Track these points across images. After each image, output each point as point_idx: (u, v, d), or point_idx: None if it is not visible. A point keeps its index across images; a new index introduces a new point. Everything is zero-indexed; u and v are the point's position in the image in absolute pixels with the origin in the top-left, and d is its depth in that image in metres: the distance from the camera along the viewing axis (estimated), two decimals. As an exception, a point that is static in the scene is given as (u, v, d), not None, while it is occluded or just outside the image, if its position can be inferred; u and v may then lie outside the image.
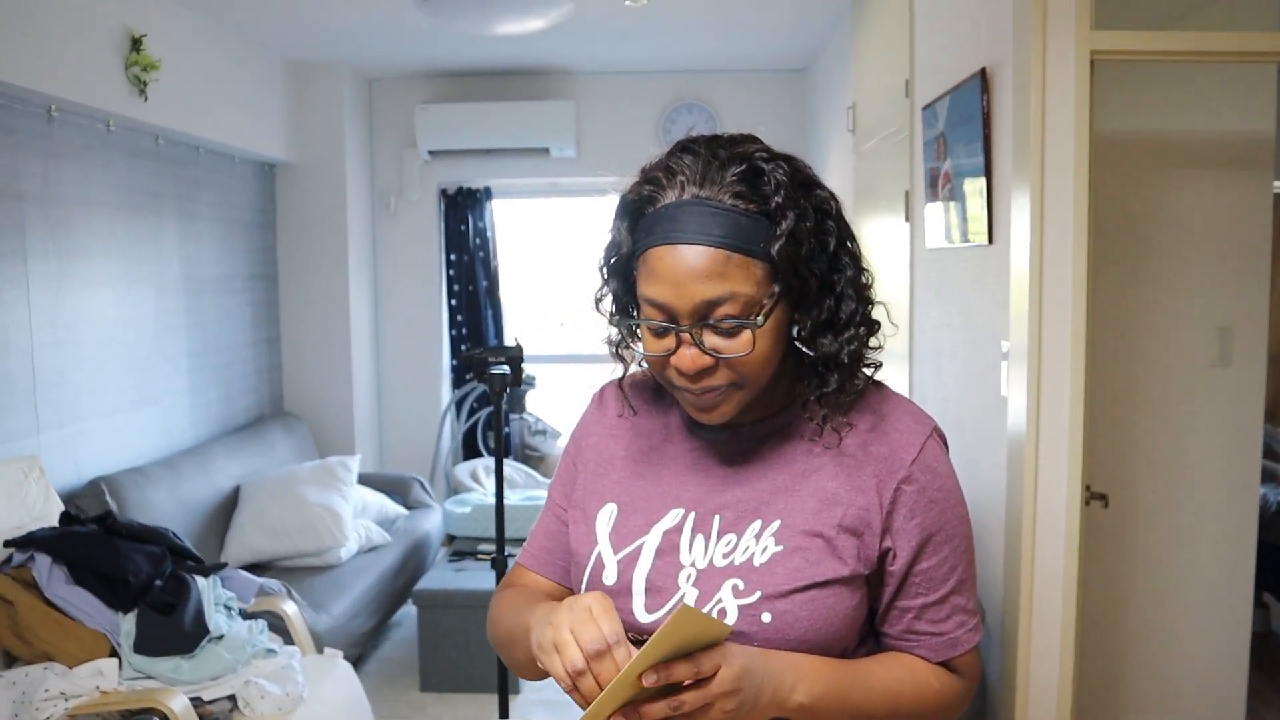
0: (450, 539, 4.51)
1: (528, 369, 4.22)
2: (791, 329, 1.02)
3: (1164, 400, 2.51)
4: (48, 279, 3.12)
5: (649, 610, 1.02)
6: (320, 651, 2.91)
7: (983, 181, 2.25)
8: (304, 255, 4.92)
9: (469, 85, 5.13)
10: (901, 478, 1.02)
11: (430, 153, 5.08)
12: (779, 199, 0.95)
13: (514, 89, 5.11)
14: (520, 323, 5.56)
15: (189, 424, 4.02)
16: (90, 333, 3.34)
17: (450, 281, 5.39)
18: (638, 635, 1.02)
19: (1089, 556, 2.23)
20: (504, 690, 2.81)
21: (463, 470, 5.06)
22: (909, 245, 2.96)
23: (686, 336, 0.96)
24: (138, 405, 3.64)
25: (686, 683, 0.86)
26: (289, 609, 2.88)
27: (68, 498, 3.03)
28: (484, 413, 5.32)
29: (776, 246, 0.94)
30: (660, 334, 0.98)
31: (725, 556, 1.01)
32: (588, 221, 5.50)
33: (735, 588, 0.99)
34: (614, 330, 1.09)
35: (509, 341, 5.07)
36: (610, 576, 1.05)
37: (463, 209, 5.32)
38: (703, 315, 0.95)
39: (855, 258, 1.03)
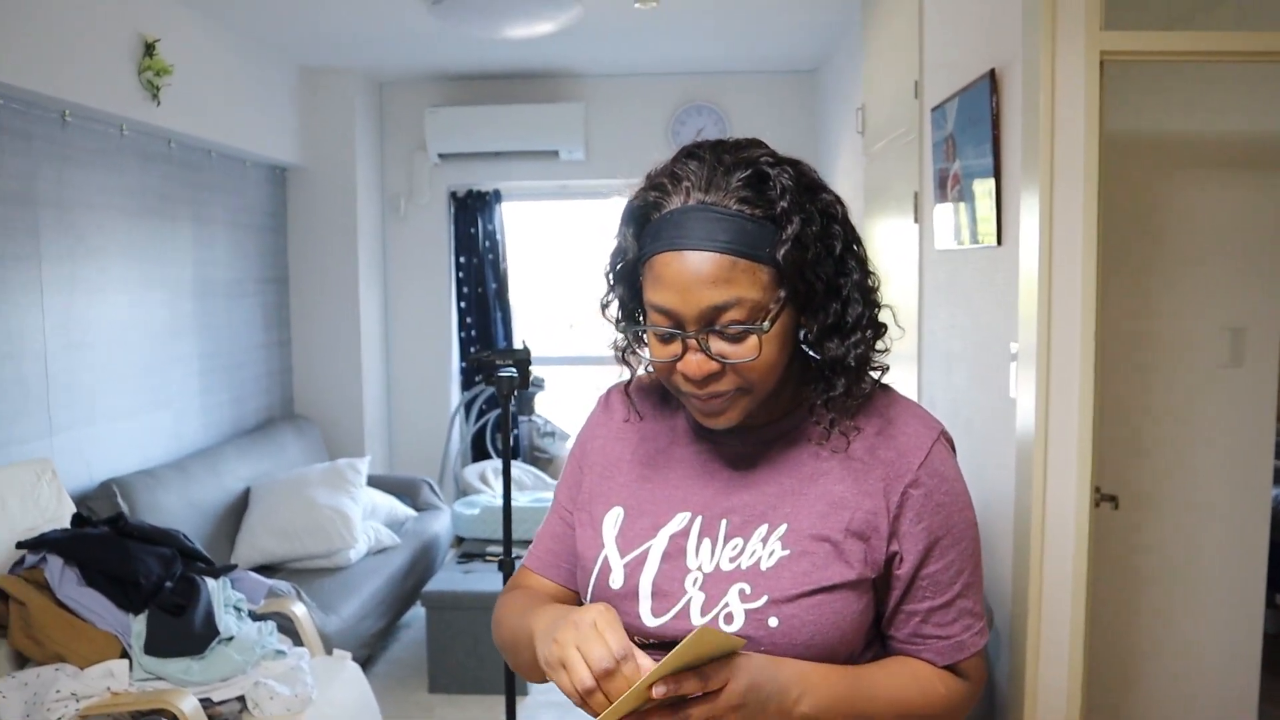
0: (459, 541, 4.52)
1: (536, 371, 4.22)
2: (798, 333, 1.01)
3: (1175, 401, 2.50)
4: (61, 282, 3.14)
5: (655, 614, 1.02)
6: (329, 653, 2.92)
7: (992, 183, 2.24)
8: (315, 258, 4.94)
9: (479, 88, 5.14)
10: (909, 481, 1.01)
11: (440, 156, 5.09)
12: (784, 204, 0.95)
13: (523, 92, 5.12)
14: (529, 325, 5.56)
15: (200, 426, 4.04)
16: (103, 336, 3.37)
17: (460, 284, 5.40)
18: (644, 639, 1.02)
19: (1099, 558, 2.22)
20: (511, 692, 2.82)
21: (472, 472, 5.07)
22: (918, 246, 2.96)
23: (693, 342, 0.96)
24: (149, 408, 3.66)
25: (693, 694, 0.86)
26: (298, 610, 2.89)
27: (80, 500, 3.05)
28: (493, 415, 5.33)
29: (782, 251, 0.94)
30: (666, 340, 0.98)
31: (732, 560, 1.01)
32: (597, 223, 5.51)
33: (742, 592, 0.99)
34: (620, 336, 1.09)
35: (517, 344, 5.08)
36: (617, 580, 1.05)
37: (472, 211, 5.33)
38: (709, 321, 0.95)
39: (861, 261, 1.03)
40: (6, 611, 2.37)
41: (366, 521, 4.05)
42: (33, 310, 3.01)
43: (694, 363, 0.96)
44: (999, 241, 2.25)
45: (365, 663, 3.56)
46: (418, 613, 4.15)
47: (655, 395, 1.17)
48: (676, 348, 0.97)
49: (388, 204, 5.30)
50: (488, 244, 5.35)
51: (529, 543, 4.06)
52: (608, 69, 5.02)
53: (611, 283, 1.06)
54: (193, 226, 3.99)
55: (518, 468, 5.02)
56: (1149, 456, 2.50)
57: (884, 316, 1.05)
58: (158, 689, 2.34)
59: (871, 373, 1.05)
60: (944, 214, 2.64)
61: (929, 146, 2.76)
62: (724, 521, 1.04)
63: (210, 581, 2.62)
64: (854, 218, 1.05)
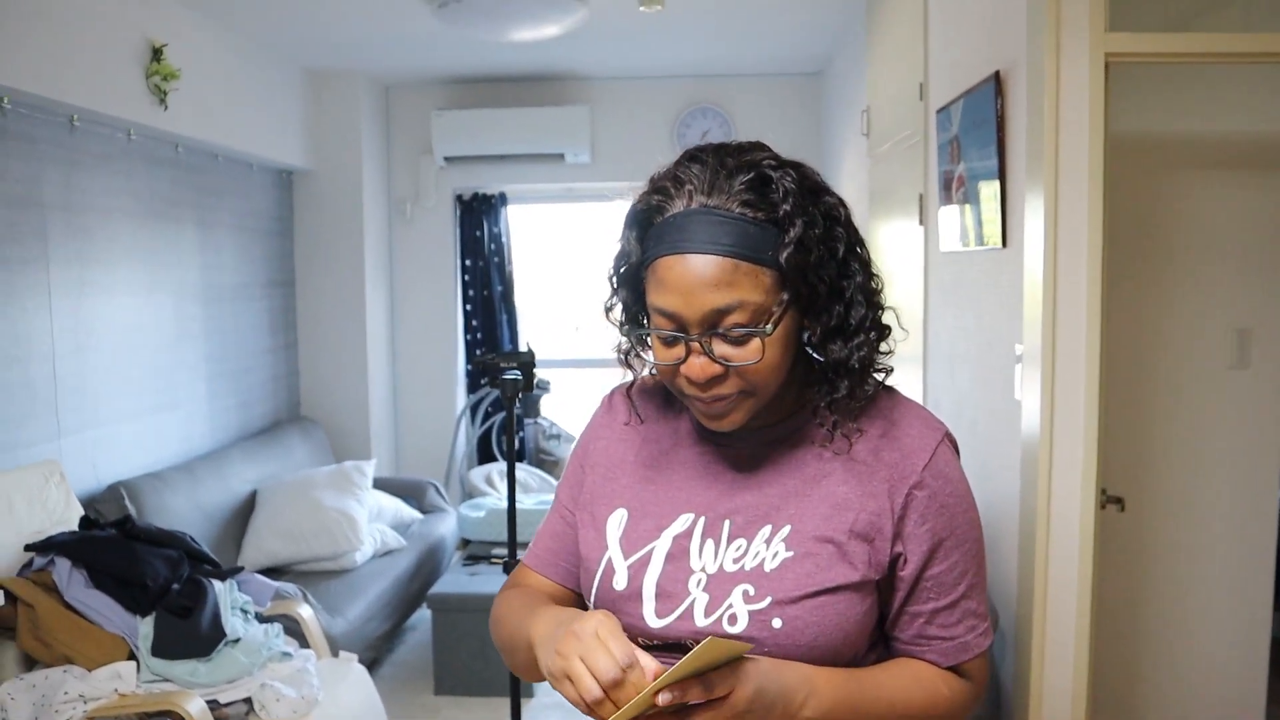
0: (465, 543, 4.53)
1: (541, 374, 4.23)
2: (801, 336, 1.02)
3: (1182, 403, 2.49)
4: (69, 286, 3.16)
5: (659, 615, 1.03)
6: (335, 655, 2.93)
7: (996, 184, 2.24)
8: (321, 261, 4.96)
9: (484, 91, 5.16)
10: (913, 483, 1.02)
11: (446, 159, 5.10)
12: (787, 207, 0.95)
13: (529, 95, 5.13)
14: (535, 327, 5.57)
15: (207, 429, 4.06)
16: (110, 339, 3.38)
17: (465, 287, 5.41)
18: (647, 640, 1.02)
19: (1106, 560, 2.22)
20: (516, 694, 2.82)
21: (477, 475, 5.08)
22: (923, 248, 2.96)
23: (696, 345, 0.96)
24: (157, 411, 3.67)
25: (698, 701, 0.86)
26: (304, 613, 2.89)
27: (87, 502, 3.06)
28: (499, 417, 5.34)
29: (785, 254, 0.95)
30: (670, 343, 0.99)
31: (735, 561, 1.02)
32: (602, 226, 5.52)
33: (746, 593, 0.99)
34: (624, 339, 1.09)
35: (522, 347, 5.08)
36: (620, 582, 1.05)
37: (478, 214, 5.34)
38: (712, 324, 0.95)
39: (864, 263, 1.04)
40: (15, 614, 2.38)
41: (372, 524, 4.06)
42: (41, 313, 3.03)
43: (697, 365, 0.97)
44: (1004, 243, 2.25)
45: (371, 665, 3.56)
46: (423, 615, 4.16)
47: (658, 398, 1.17)
48: (680, 350, 0.98)
49: (394, 207, 5.31)
50: (493, 247, 5.36)
51: (534, 545, 4.00)
52: (613, 72, 5.03)
53: (615, 286, 1.07)
54: (199, 230, 4.00)
55: (524, 470, 5.03)
56: (1156, 458, 2.50)
57: (887, 318, 1.06)
58: (165, 691, 2.35)
59: (875, 374, 1.05)
60: (949, 216, 2.64)
61: (934, 148, 2.76)
62: (727, 522, 1.04)
63: (217, 584, 2.63)
64: (859, 220, 1.06)
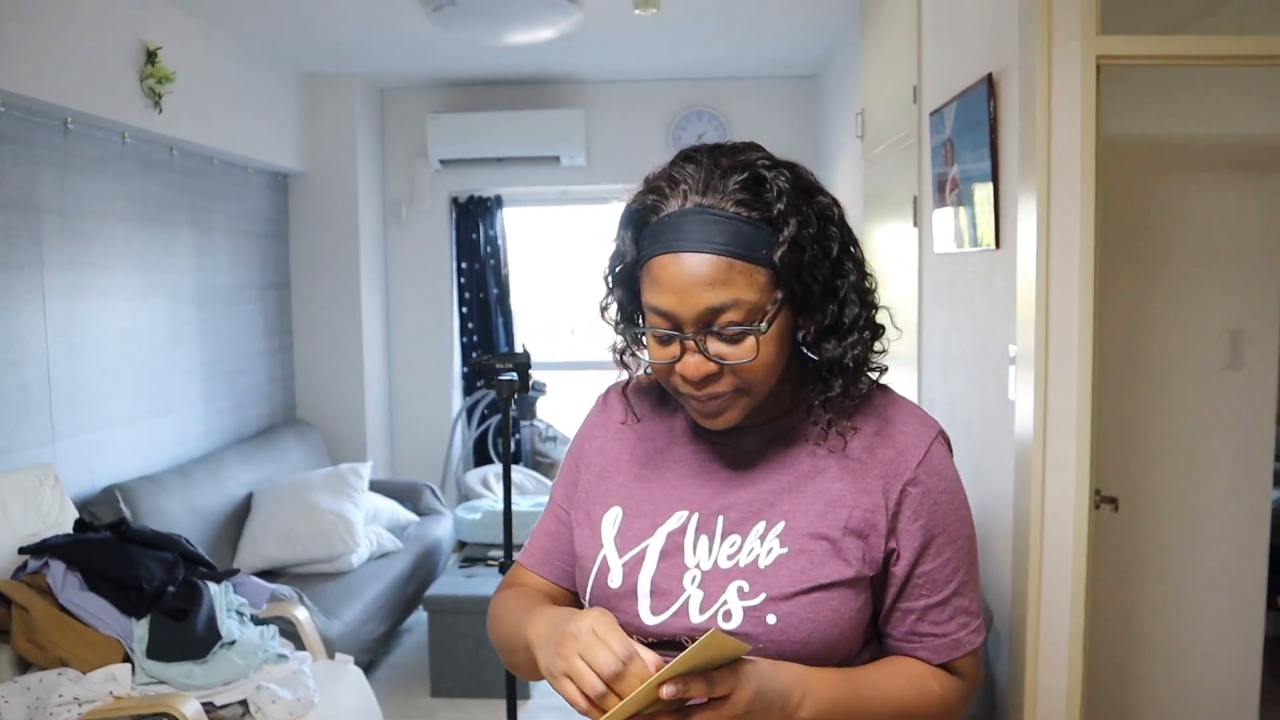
0: (461, 545, 4.52)
1: (538, 376, 4.23)
2: (795, 334, 1.02)
3: (1176, 403, 2.50)
4: (63, 289, 3.15)
5: (654, 613, 1.03)
6: (331, 657, 2.92)
7: (990, 186, 2.25)
8: (316, 264, 4.95)
9: (480, 94, 5.16)
10: (907, 480, 1.02)
11: (441, 162, 5.11)
12: (781, 206, 0.96)
13: (524, 98, 5.14)
14: (531, 330, 5.57)
15: (202, 432, 4.05)
16: (105, 343, 3.38)
17: (461, 289, 5.41)
18: (643, 638, 1.03)
19: (1100, 560, 2.23)
20: (513, 696, 2.82)
21: (474, 477, 5.08)
22: (917, 250, 2.96)
23: (691, 344, 0.97)
24: (152, 414, 3.67)
25: (698, 700, 0.86)
26: (300, 615, 2.89)
27: (82, 506, 3.06)
28: (495, 419, 5.33)
29: (779, 253, 0.95)
30: (665, 341, 0.99)
31: (730, 558, 1.02)
32: (598, 229, 5.52)
33: (740, 589, 1.00)
34: (619, 338, 1.10)
35: (517, 349, 5.09)
36: (615, 580, 1.06)
37: (474, 217, 5.34)
38: (707, 322, 0.96)
39: (858, 263, 1.04)
40: (9, 616, 2.37)
41: (368, 526, 4.06)
42: (35, 317, 3.03)
43: (692, 364, 0.97)
44: (997, 245, 2.26)
45: (367, 667, 3.56)
46: (420, 617, 4.16)
47: (653, 396, 1.18)
48: (675, 349, 0.98)
49: (389, 210, 5.31)
50: (489, 249, 5.37)
51: (530, 546, 4.00)
52: (608, 75, 5.03)
53: (610, 285, 1.07)
54: (194, 233, 4.00)
55: (519, 472, 5.03)
56: (1149, 459, 2.51)
57: (881, 317, 1.06)
58: (160, 693, 2.35)
59: (869, 373, 1.06)
60: (943, 218, 2.64)
61: (928, 151, 2.77)
62: (721, 518, 1.05)
63: (212, 586, 2.62)
64: (854, 222, 1.06)
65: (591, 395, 1.25)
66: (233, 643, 2.53)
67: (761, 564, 1.01)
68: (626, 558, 1.06)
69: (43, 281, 3.06)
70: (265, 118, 4.41)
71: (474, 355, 5.39)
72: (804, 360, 1.06)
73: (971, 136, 2.34)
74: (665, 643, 1.01)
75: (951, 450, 1.09)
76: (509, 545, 2.80)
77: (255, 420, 4.55)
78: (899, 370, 3.11)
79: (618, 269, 1.05)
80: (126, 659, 2.39)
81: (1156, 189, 2.48)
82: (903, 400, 1.10)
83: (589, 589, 1.09)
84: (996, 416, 2.30)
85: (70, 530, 2.68)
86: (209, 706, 2.36)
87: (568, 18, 3.58)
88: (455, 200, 5.37)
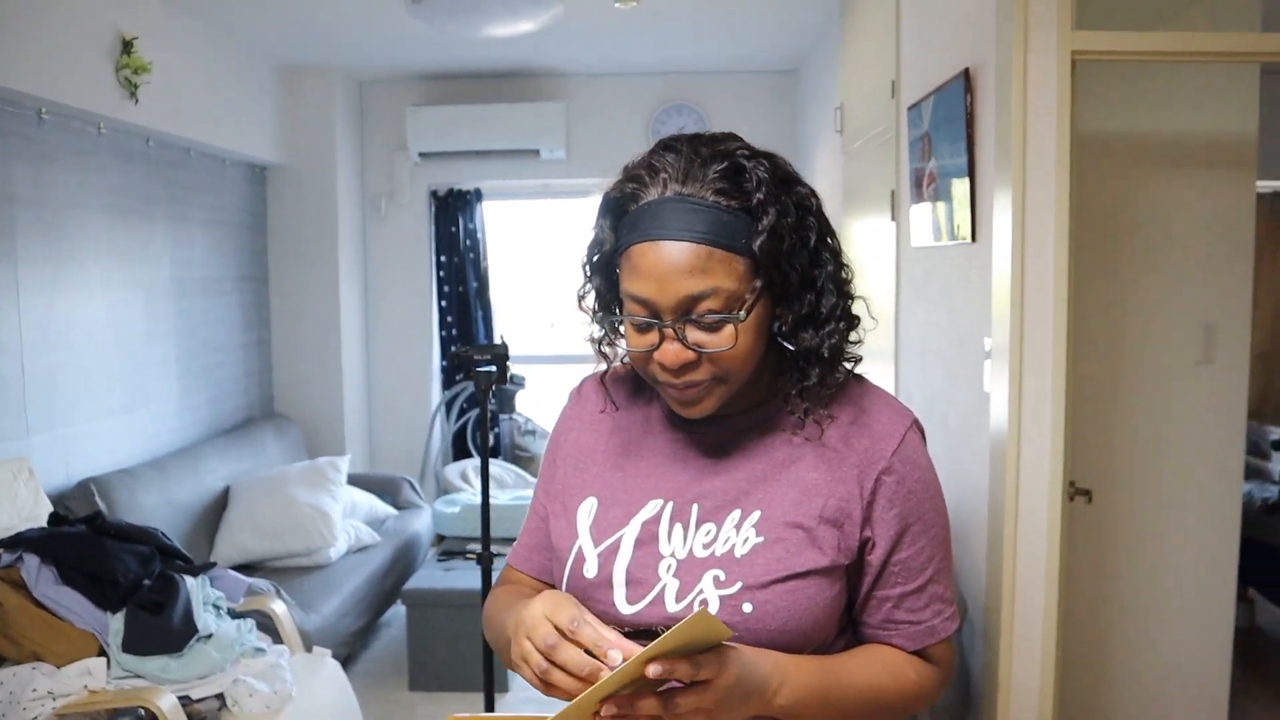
0: (439, 539, 4.52)
1: (517, 369, 4.22)
2: (773, 324, 1.03)
3: (1149, 397, 2.53)
4: (39, 282, 3.12)
5: (630, 602, 1.03)
6: (309, 650, 2.91)
7: (966, 180, 2.27)
8: (295, 257, 4.92)
9: (460, 87, 5.14)
10: (882, 468, 1.03)
11: (421, 155, 5.08)
12: (760, 195, 0.97)
13: (504, 91, 5.12)
14: (511, 324, 5.56)
15: (179, 425, 4.02)
16: (81, 335, 3.34)
17: (440, 283, 5.39)
18: (620, 628, 1.03)
19: (1073, 552, 2.25)
20: (490, 689, 2.82)
21: (452, 471, 5.07)
22: (895, 244, 2.98)
23: (669, 331, 0.97)
24: (128, 407, 3.64)
25: (681, 681, 0.87)
26: (278, 608, 2.88)
27: (57, 499, 3.03)
28: (474, 413, 5.32)
29: (758, 242, 0.96)
30: (643, 329, 1.00)
31: (706, 547, 1.03)
32: (578, 222, 5.50)
33: (716, 578, 1.01)
34: (596, 327, 1.10)
35: (496, 341, 5.08)
36: (591, 570, 1.06)
37: (453, 210, 5.32)
38: (685, 310, 0.96)
39: (835, 253, 1.05)
40: (-18, 610, 2.35)
41: (347, 520, 4.04)
42: (9, 310, 2.99)
43: (670, 352, 0.98)
44: (974, 238, 2.28)
45: (345, 661, 3.55)
46: (398, 611, 4.15)
47: (629, 385, 1.18)
48: (653, 337, 0.99)
49: (368, 203, 5.28)
50: (469, 243, 5.35)
51: (509, 540, 4.05)
52: (589, 68, 5.03)
53: (589, 274, 1.08)
54: (171, 225, 3.97)
55: (498, 466, 5.03)
56: (1123, 451, 2.53)
57: (857, 308, 1.07)
58: (136, 687, 2.33)
59: (845, 363, 1.07)
60: (920, 212, 2.66)
61: (905, 145, 2.79)
62: (695, 506, 1.05)
63: (189, 579, 2.61)
64: (832, 216, 1.07)
65: (570, 389, 1.25)
66: (209, 636, 2.51)
67: (738, 553, 1.01)
68: (602, 547, 1.07)
69: (17, 274, 3.02)
70: (243, 109, 4.37)
71: (453, 348, 5.37)
72: (781, 350, 1.06)
73: (948, 131, 2.36)
74: (642, 632, 1.02)
75: (926, 439, 1.10)
76: (487, 539, 2.80)
77: (233, 413, 4.52)
78: (877, 364, 3.13)
79: (596, 257, 1.06)
80: (102, 653, 2.38)
81: (1130, 184, 2.51)
82: (878, 390, 1.11)
83: (565, 580, 1.09)
84: (973, 410, 2.32)
85: (45, 524, 2.66)
86: (185, 700, 2.35)
87: (548, 10, 3.57)
88: (435, 193, 5.35)
